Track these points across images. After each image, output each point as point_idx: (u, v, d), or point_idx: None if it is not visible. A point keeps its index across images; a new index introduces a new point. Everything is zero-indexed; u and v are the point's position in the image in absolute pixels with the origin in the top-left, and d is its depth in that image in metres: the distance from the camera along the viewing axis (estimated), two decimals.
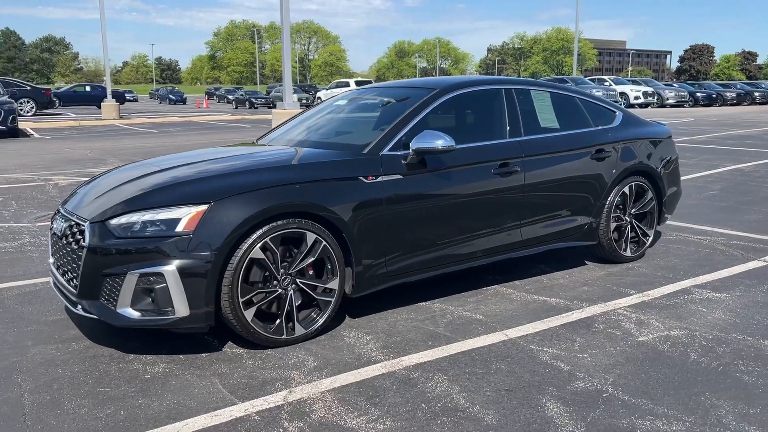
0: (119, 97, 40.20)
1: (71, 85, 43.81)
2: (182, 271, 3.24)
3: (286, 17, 12.30)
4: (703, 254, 5.50)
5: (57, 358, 3.44)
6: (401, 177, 3.94)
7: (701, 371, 3.25)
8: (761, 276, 4.86)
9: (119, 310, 3.31)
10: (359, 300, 4.20)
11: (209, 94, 66.97)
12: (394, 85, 5.01)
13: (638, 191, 5.26)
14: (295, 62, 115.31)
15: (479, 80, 4.80)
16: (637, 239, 5.34)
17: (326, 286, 3.69)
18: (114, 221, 3.36)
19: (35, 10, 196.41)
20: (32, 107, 25.53)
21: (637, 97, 33.56)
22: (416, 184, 4.00)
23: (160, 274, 3.23)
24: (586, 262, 5.30)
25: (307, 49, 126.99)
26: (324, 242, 3.61)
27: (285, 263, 3.56)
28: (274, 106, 26.38)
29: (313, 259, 3.61)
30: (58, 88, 45.91)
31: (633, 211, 5.26)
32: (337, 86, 37.00)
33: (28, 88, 26.69)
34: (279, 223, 3.46)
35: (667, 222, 6.58)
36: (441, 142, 3.94)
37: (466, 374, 3.22)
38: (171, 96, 56.50)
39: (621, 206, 5.18)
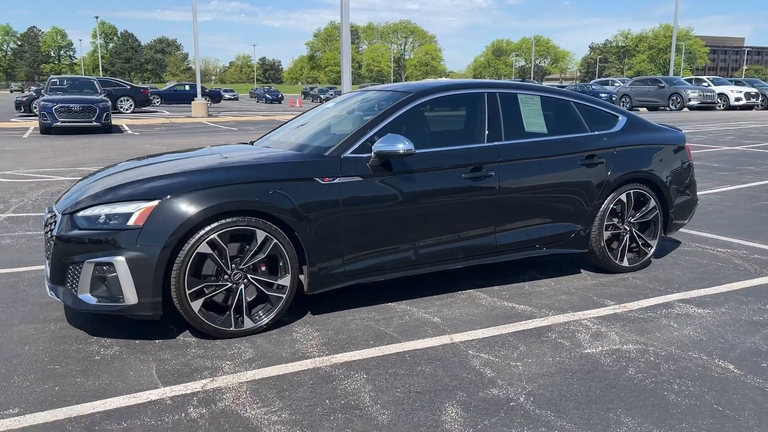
0: (215, 96, 42.25)
1: (172, 84, 46.40)
2: (130, 262, 3.49)
3: (346, 18, 12.58)
4: (713, 267, 5.21)
5: (30, 336, 3.79)
6: (361, 179, 4.02)
7: (628, 387, 3.14)
8: (760, 293, 4.57)
9: (80, 296, 3.61)
10: (326, 297, 4.33)
11: (305, 94, 68.89)
12: (381, 88, 5.08)
13: (638, 199, 5.07)
14: (389, 62, 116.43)
15: (460, 84, 4.80)
16: (637, 249, 5.14)
17: (278, 282, 3.84)
18: (80, 213, 3.66)
19: (154, 14, 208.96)
20: (131, 105, 27.34)
21: (738, 99, 31.48)
22: (378, 186, 4.07)
23: (111, 264, 3.50)
24: (582, 270, 5.17)
25: (403, 49, 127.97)
26: (275, 240, 3.76)
27: (238, 259, 3.74)
28: None
29: (263, 256, 3.77)
30: (169, 87, 48.67)
31: (633, 219, 5.07)
32: None
33: (128, 87, 28.61)
34: (227, 220, 3.65)
35: (693, 233, 6.28)
36: (402, 145, 3.99)
37: (387, 374, 3.28)
38: (267, 95, 58.65)
39: (619, 214, 5.02)
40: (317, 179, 3.92)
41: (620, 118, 5.21)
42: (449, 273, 4.92)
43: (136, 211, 3.55)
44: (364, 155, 4.09)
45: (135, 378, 3.24)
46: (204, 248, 3.61)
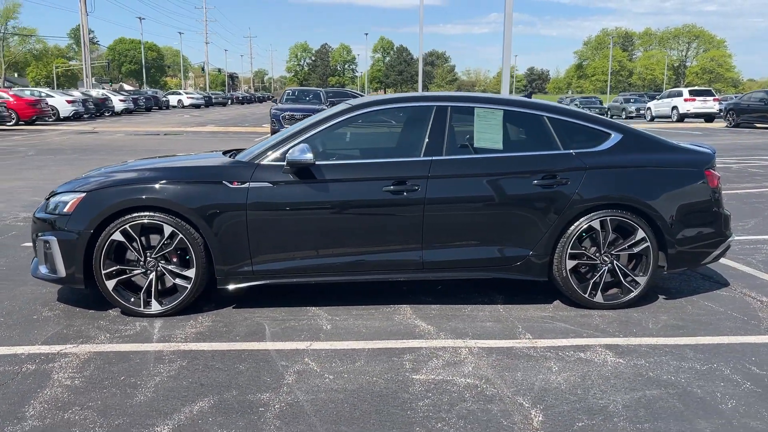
0: None
1: None
2: (60, 242, 4.25)
3: (509, 26, 12.41)
4: (719, 317, 4.36)
5: (21, 296, 4.75)
6: (272, 185, 4.28)
7: (388, 415, 2.99)
8: (722, 352, 3.76)
9: (39, 266, 4.47)
10: (277, 293, 4.67)
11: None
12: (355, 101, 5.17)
13: (620, 227, 4.47)
14: (664, 69, 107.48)
15: (409, 97, 4.75)
16: (620, 284, 4.53)
17: (184, 274, 4.29)
18: (49, 199, 4.53)
19: (436, 28, 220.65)
20: None
21: None
22: (289, 193, 4.28)
23: (48, 242, 4.30)
24: (556, 301, 4.69)
25: (685, 56, 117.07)
26: (180, 235, 4.22)
27: (152, 248, 4.29)
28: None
29: (171, 248, 4.26)
30: None
31: (615, 251, 4.48)
32: (669, 96, 33.95)
33: (358, 97, 31.32)
34: (137, 214, 4.21)
35: (764, 276, 5.25)
36: (309, 156, 4.18)
37: (202, 366, 3.53)
38: None
39: (594, 243, 4.48)
40: (226, 183, 4.27)
41: (612, 135, 4.62)
42: (402, 285, 4.91)
43: (70, 201, 4.30)
44: (280, 163, 4.33)
45: (32, 335, 3.97)
46: (118, 236, 4.21)
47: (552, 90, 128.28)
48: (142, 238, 4.29)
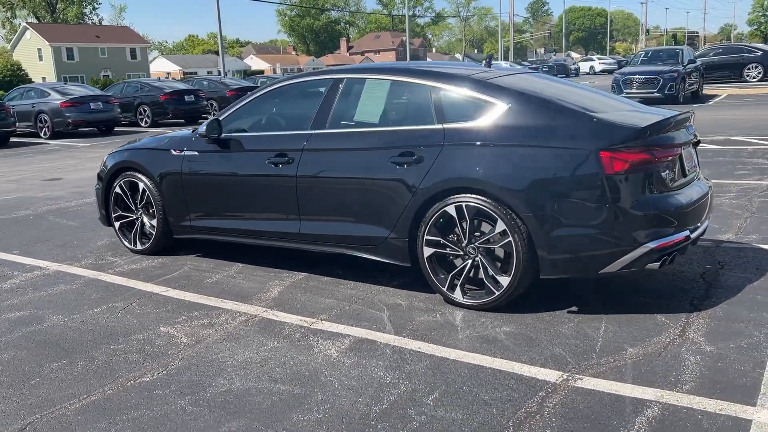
0: None
1: None
2: (96, 191, 5.78)
3: None
4: (557, 341, 3.37)
5: (90, 225, 6.50)
6: (197, 153, 4.99)
7: (55, 342, 3.59)
8: (427, 365, 3.05)
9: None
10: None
11: None
12: None
13: (479, 216, 3.78)
14: None
15: (315, 72, 4.76)
16: (481, 283, 3.85)
17: (152, 222, 5.37)
18: None
19: None
20: (759, 73, 24.79)
21: None
22: (206, 161, 4.94)
23: (95, 190, 5.88)
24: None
25: None
26: (148, 192, 5.31)
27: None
28: None
29: (144, 202, 5.37)
30: None
31: (479, 243, 3.83)
32: None
33: (759, 53, 25.72)
34: (127, 173, 5.44)
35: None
36: (203, 129, 4.81)
37: (69, 290, 4.60)
38: None
39: (460, 231, 3.89)
40: (171, 151, 5.15)
41: (496, 106, 3.83)
42: (346, 258, 4.98)
43: (103, 161, 5.78)
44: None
45: (64, 255, 5.56)
46: (118, 189, 5.52)
47: None
48: (137, 193, 5.49)
